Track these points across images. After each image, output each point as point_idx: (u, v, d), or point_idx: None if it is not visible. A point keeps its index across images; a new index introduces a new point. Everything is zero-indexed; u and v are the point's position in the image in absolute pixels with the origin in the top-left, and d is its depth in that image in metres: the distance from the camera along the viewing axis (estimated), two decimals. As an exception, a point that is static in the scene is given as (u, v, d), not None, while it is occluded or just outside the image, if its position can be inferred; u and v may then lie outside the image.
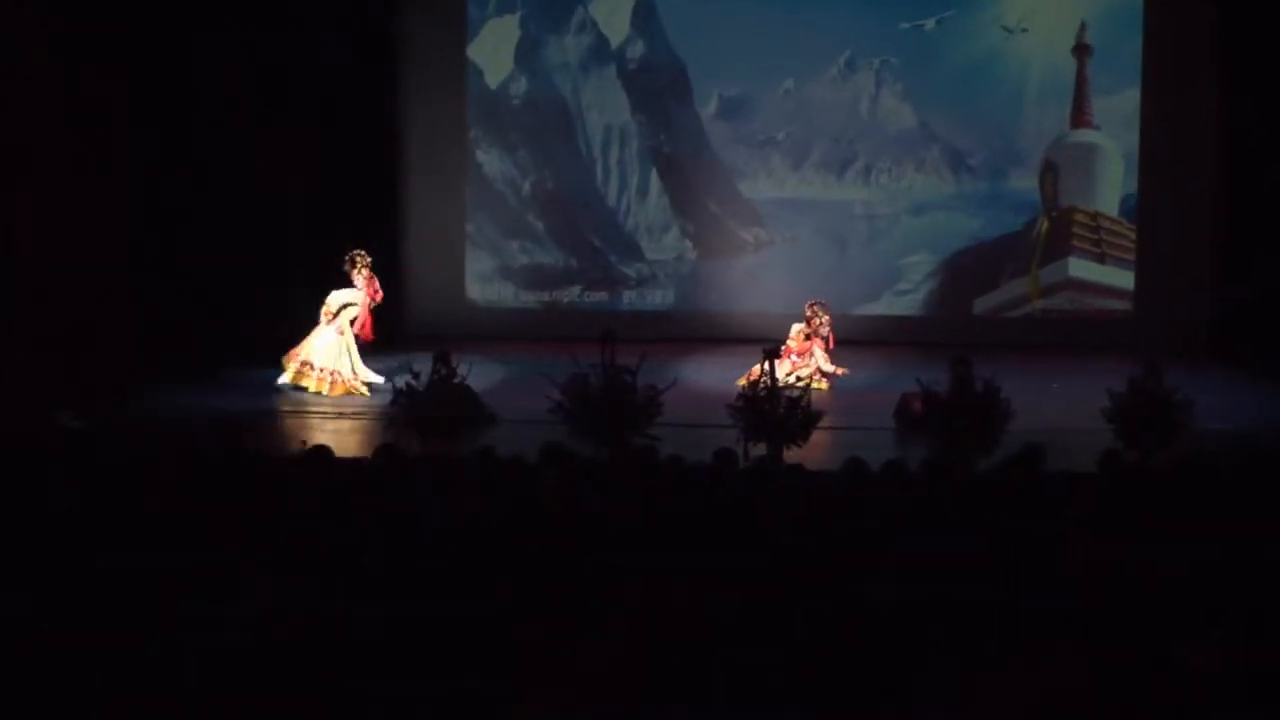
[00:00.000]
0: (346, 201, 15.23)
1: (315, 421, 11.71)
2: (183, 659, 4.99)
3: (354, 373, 12.68)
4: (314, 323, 12.75)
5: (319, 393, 12.47)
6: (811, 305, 13.34)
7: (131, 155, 13.18)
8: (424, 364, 10.64)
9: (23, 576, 5.72)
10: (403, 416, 10.51)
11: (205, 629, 5.17)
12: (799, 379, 11.98)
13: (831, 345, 13.29)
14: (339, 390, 12.51)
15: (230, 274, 13.82)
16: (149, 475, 7.04)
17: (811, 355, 13.14)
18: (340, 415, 11.88)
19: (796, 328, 13.23)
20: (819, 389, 12.57)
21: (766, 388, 10.30)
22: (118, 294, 12.74)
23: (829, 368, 13.14)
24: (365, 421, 11.55)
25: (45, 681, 4.92)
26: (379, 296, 13.00)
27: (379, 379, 12.62)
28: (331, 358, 12.61)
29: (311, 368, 12.60)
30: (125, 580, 5.57)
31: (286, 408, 12.19)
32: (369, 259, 13.00)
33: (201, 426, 11.02)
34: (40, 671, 4.97)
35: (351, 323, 12.81)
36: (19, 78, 11.74)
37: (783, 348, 12.92)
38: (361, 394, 12.50)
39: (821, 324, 13.23)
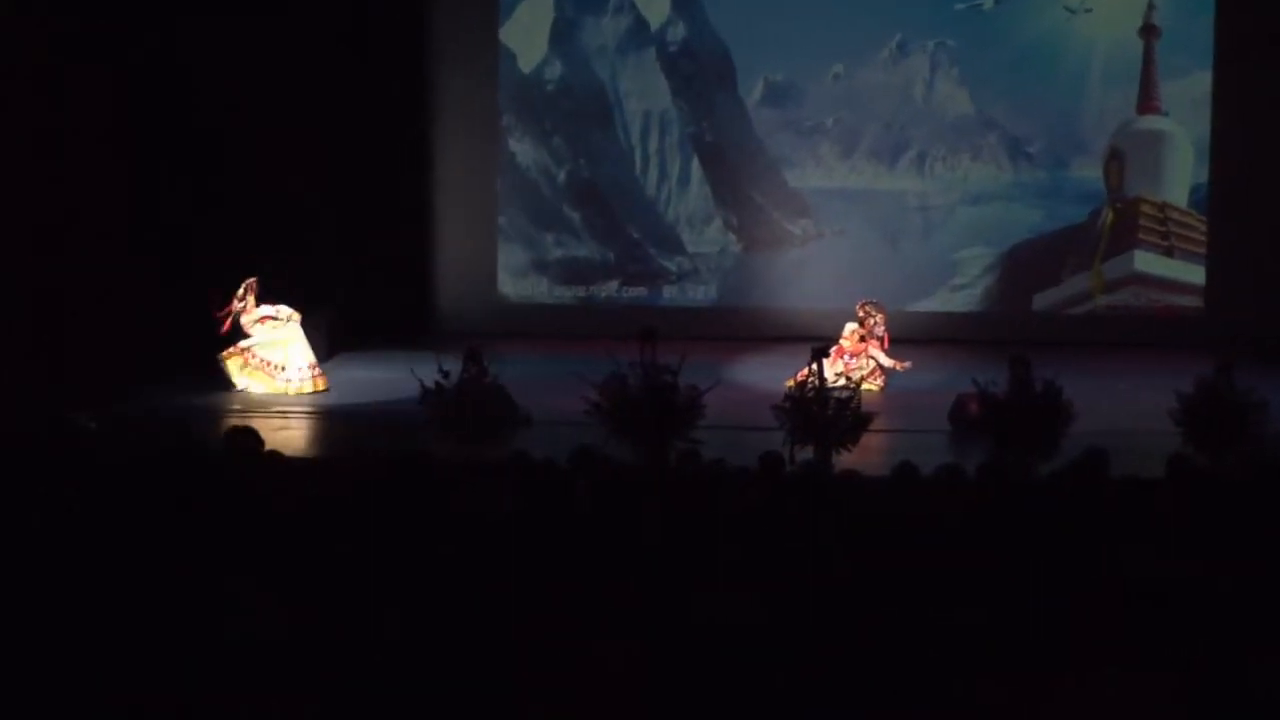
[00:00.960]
0: (372, 193, 15.30)
1: (329, 422, 11.75)
2: (183, 661, 5.09)
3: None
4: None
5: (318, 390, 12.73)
6: (864, 305, 13.28)
7: (142, 146, 13.27)
8: (454, 362, 10.66)
9: (23, 577, 5.79)
10: (431, 417, 10.52)
11: (206, 632, 5.25)
12: (850, 380, 11.97)
13: (887, 345, 13.24)
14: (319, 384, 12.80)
15: (246, 270, 13.81)
16: (151, 474, 7.09)
17: (866, 356, 13.06)
18: (359, 415, 11.92)
19: (850, 327, 13.16)
20: (871, 390, 12.51)
21: (814, 388, 10.27)
22: (124, 289, 12.84)
23: (889, 362, 13.08)
24: (388, 422, 11.56)
25: (46, 681, 5.03)
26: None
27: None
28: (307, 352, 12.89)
29: (313, 368, 12.82)
30: (127, 582, 5.63)
31: (303, 408, 12.24)
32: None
33: (205, 426, 11.08)
34: (39, 671, 5.08)
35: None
36: (18, 76, 11.89)
37: (834, 348, 12.86)
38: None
39: (876, 323, 13.17)
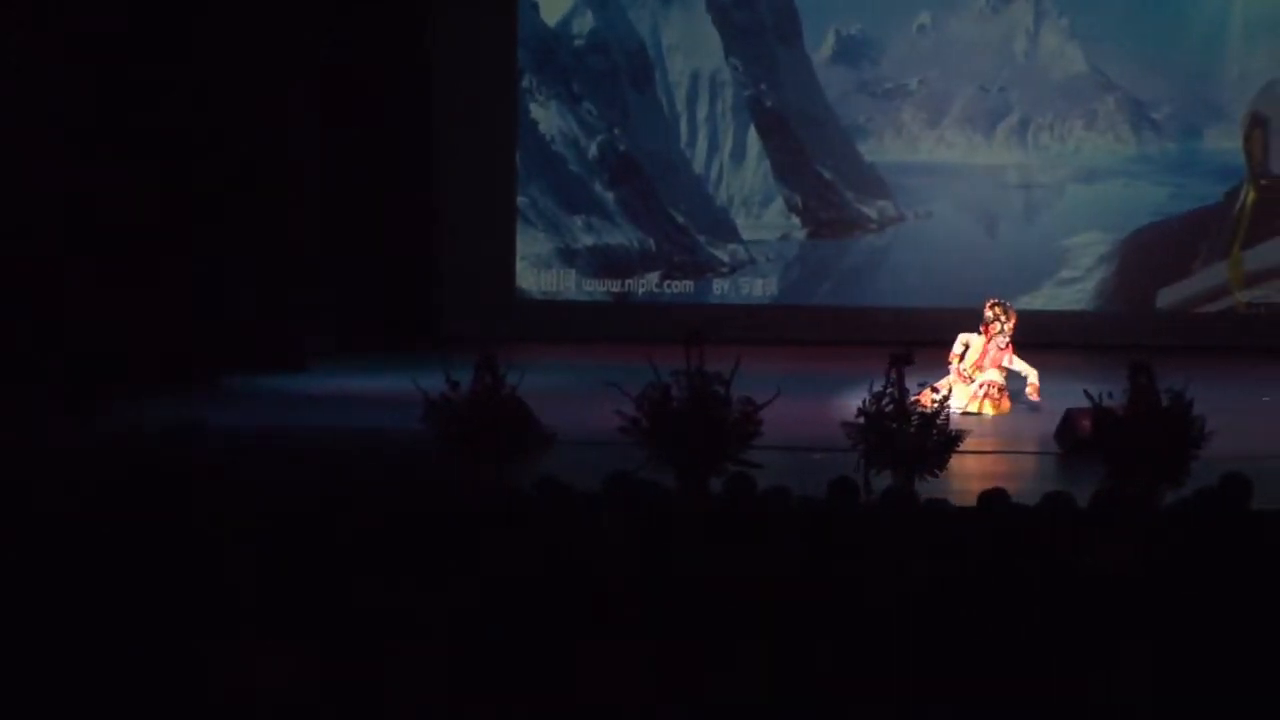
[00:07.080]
0: (364, 170, 15.28)
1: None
2: None
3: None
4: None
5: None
6: (994, 304, 12.84)
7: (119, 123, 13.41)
8: (464, 370, 10.67)
9: None
10: (437, 437, 10.54)
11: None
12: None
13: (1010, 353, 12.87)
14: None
15: (227, 265, 13.85)
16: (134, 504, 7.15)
17: (998, 367, 12.67)
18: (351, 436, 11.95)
19: (966, 340, 12.73)
20: (988, 414, 12.36)
21: (893, 402, 10.25)
22: (90, 287, 12.95)
23: (1029, 374, 12.66)
24: (386, 444, 11.58)
25: None
26: None
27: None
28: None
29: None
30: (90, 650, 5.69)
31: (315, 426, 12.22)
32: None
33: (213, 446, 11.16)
34: None
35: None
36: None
37: (946, 376, 12.58)
38: None
39: (1004, 331, 12.74)
